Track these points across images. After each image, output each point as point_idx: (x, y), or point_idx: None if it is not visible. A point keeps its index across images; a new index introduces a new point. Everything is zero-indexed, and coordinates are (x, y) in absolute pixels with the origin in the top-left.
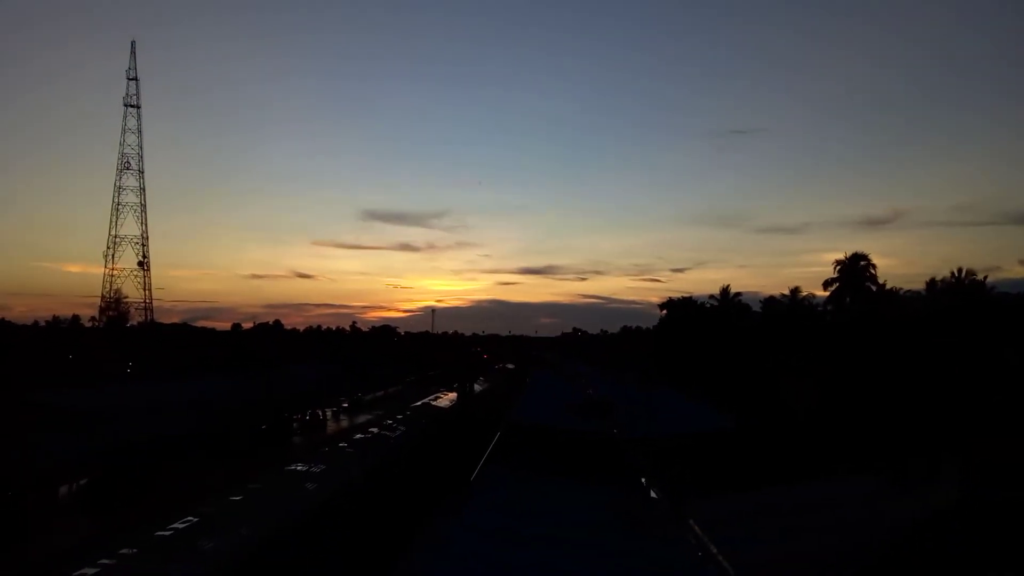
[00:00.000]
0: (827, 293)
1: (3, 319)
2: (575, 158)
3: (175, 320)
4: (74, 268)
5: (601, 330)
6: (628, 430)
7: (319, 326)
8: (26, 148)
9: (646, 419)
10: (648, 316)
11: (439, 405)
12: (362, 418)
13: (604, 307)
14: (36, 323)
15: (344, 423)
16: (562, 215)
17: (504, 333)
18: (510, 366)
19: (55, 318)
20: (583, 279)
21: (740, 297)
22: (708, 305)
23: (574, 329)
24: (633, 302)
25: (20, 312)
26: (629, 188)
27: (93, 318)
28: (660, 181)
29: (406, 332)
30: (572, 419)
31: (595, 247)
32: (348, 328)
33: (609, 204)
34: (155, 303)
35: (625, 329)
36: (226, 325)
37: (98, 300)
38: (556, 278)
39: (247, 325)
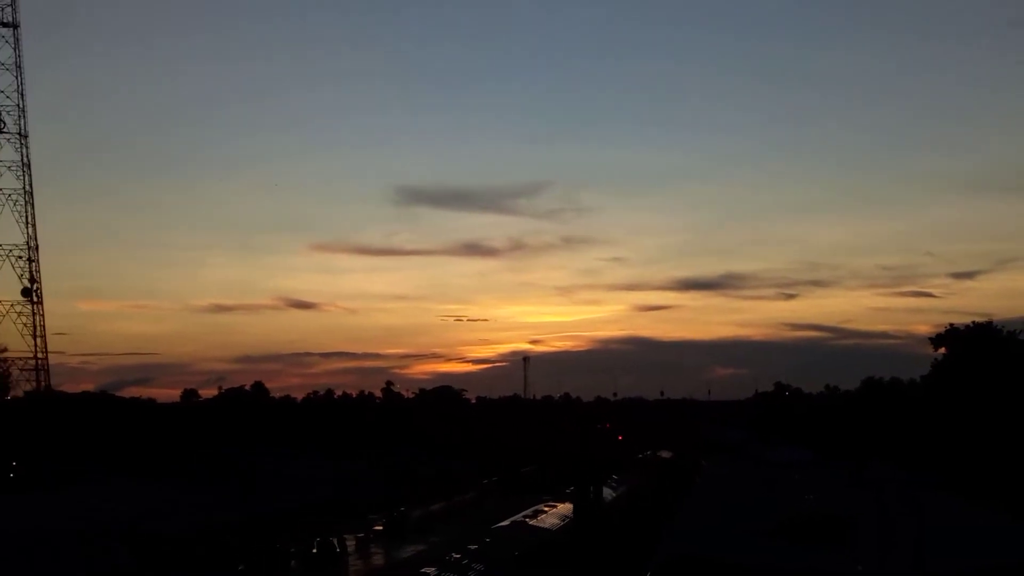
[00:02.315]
0: None
1: None
2: (771, 79)
3: (87, 386)
4: None
5: (826, 386)
6: (885, 568)
7: (329, 391)
8: None
9: (915, 548)
10: (912, 359)
11: (542, 525)
12: (408, 550)
13: (830, 344)
14: None
15: (377, 559)
16: (751, 185)
17: (652, 395)
18: (665, 454)
19: None
20: (790, 296)
21: None
22: None
23: (776, 386)
24: (884, 335)
25: None
26: (869, 129)
27: None
28: (925, 113)
29: (479, 398)
30: (779, 548)
31: (811, 239)
32: (379, 393)
33: (833, 161)
34: (52, 358)
35: (870, 383)
36: (173, 393)
37: None
38: (742, 296)
39: (208, 392)
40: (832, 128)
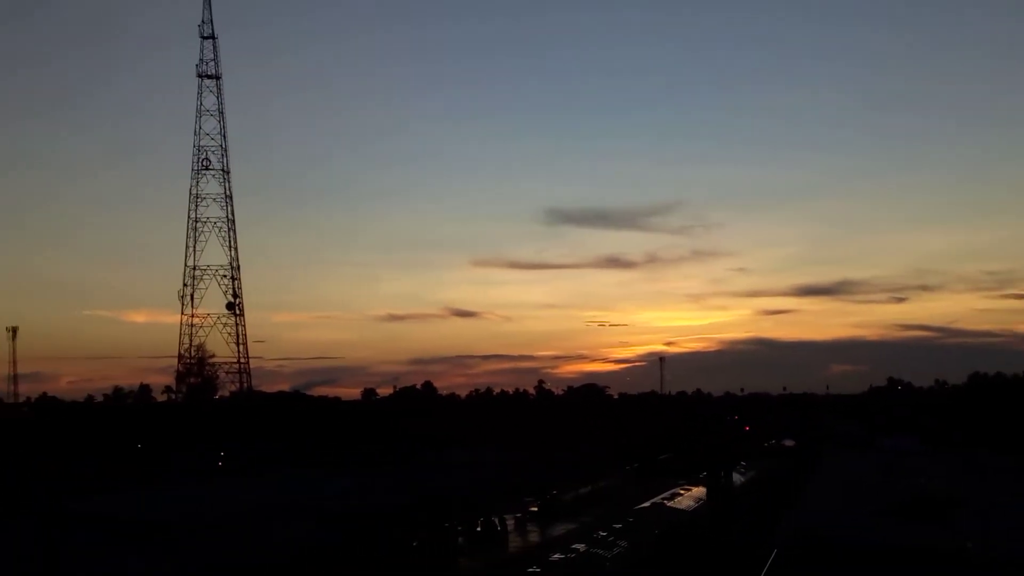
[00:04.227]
0: None
1: (46, 394)
2: (882, 102)
3: (282, 387)
4: (139, 317)
5: (936, 380)
6: (990, 545)
7: (488, 388)
8: (69, 151)
9: (1021, 526)
10: (1016, 355)
11: (678, 506)
12: (560, 528)
13: (938, 343)
14: (91, 398)
15: (533, 536)
16: (862, 200)
17: (775, 391)
18: (788, 443)
19: (116, 390)
20: (901, 300)
21: None
22: None
23: (889, 380)
24: (989, 333)
25: (69, 383)
26: (976, 144)
27: (168, 388)
28: None
29: (620, 394)
30: (891, 526)
31: (920, 248)
32: (532, 390)
33: (941, 175)
34: (252, 363)
35: (976, 378)
36: (355, 392)
37: (174, 362)
38: (856, 300)
39: (384, 391)
40: (940, 144)
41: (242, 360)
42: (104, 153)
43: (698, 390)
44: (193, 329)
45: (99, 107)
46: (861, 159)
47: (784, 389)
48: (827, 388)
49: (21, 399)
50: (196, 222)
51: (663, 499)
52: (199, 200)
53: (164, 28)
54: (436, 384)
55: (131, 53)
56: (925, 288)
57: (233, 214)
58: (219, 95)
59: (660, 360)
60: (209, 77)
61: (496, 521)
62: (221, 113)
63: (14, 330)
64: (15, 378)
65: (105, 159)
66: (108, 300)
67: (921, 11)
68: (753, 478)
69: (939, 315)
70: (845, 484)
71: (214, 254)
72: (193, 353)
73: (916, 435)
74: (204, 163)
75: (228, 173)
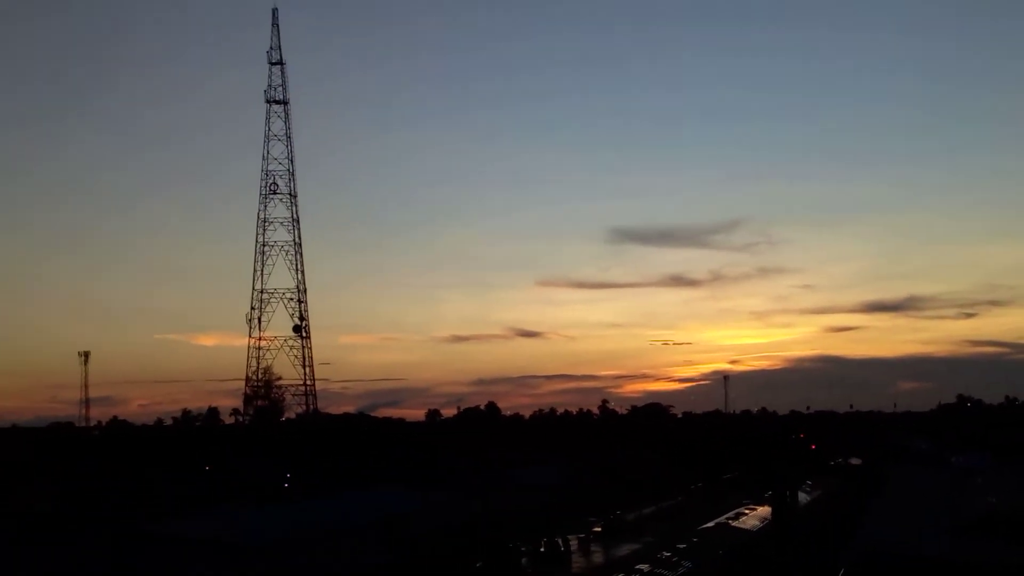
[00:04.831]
0: None
1: (117, 418)
2: (949, 115)
3: (347, 408)
4: (208, 340)
5: (1006, 397)
6: None
7: (552, 409)
8: (139, 177)
9: None
10: None
11: (743, 526)
12: (624, 549)
13: (1008, 359)
14: (160, 421)
15: (597, 557)
16: (931, 214)
17: (842, 409)
18: (855, 461)
19: (185, 413)
20: (970, 315)
21: None
22: None
23: (959, 398)
24: None
25: (140, 407)
26: None
27: (236, 411)
28: None
29: (684, 413)
30: (965, 544)
31: (990, 263)
32: (596, 410)
33: (1010, 188)
34: (318, 384)
35: None
36: (419, 413)
37: (242, 384)
38: (924, 316)
39: (448, 412)
40: (1008, 156)
41: (308, 382)
42: (174, 178)
43: (763, 408)
44: (260, 352)
45: (169, 132)
46: (927, 173)
47: (851, 407)
48: (895, 406)
49: (92, 423)
50: (264, 246)
51: (728, 518)
52: (267, 224)
53: (232, 53)
54: (500, 405)
55: (200, 79)
56: (995, 303)
57: (300, 237)
58: (287, 120)
59: (724, 379)
60: (277, 103)
61: (560, 541)
62: (288, 138)
63: (86, 355)
64: (87, 402)
65: (175, 184)
66: (178, 324)
67: (991, 25)
68: (819, 497)
69: (1010, 330)
70: (914, 502)
71: (281, 277)
72: (260, 376)
73: (988, 452)
74: (272, 187)
75: (295, 197)
